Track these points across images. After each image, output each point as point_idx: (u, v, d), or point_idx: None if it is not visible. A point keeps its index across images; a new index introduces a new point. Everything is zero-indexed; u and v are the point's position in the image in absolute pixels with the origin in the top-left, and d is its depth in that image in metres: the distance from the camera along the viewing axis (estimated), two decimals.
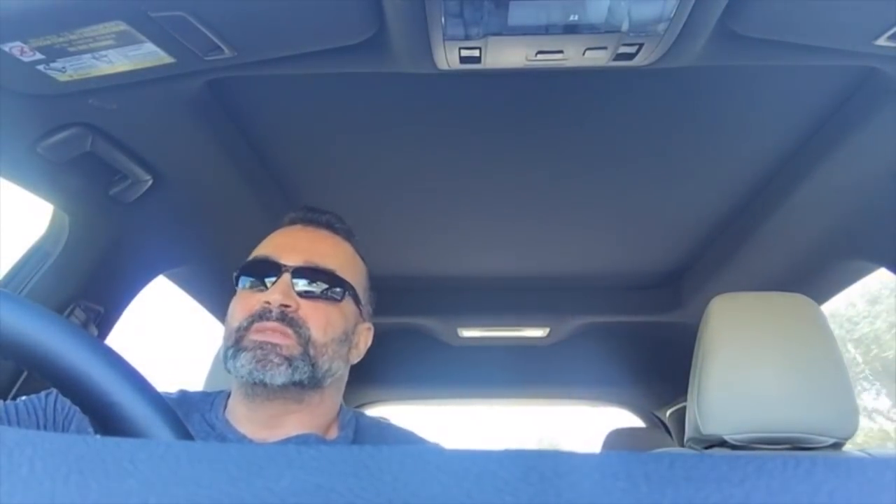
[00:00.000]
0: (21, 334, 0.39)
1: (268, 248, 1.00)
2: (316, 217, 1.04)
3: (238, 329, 0.92)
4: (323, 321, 0.94)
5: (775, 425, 1.18)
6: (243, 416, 0.95)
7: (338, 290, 0.97)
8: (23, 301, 0.40)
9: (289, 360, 0.90)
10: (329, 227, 1.04)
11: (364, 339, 1.04)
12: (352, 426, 1.00)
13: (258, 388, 0.90)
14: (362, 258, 1.07)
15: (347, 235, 1.05)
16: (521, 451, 0.27)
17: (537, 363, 2.46)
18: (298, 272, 0.95)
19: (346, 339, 0.98)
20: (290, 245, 0.98)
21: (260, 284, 0.96)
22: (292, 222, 1.05)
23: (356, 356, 1.03)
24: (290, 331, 0.91)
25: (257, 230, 1.06)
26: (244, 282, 0.98)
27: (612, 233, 1.69)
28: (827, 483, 0.26)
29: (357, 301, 1.01)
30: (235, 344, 0.92)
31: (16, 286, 1.21)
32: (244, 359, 0.90)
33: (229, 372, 0.93)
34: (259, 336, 0.91)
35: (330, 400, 0.99)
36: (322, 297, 0.95)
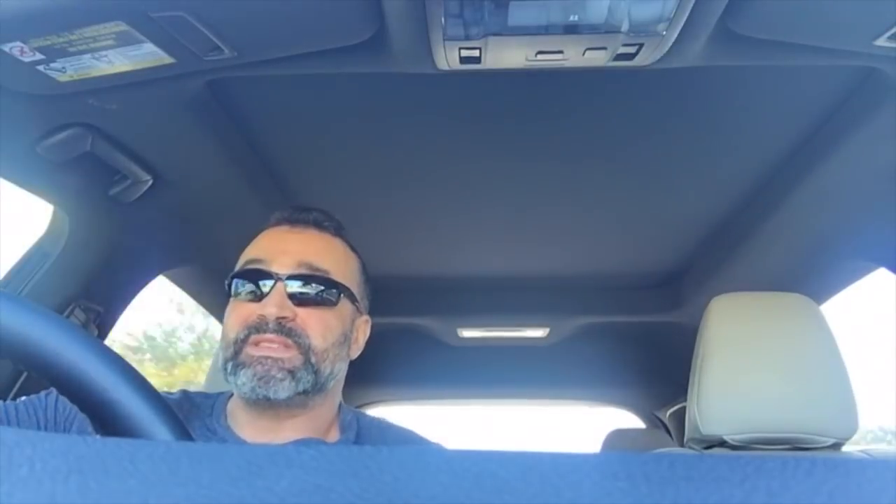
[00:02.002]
0: (20, 334, 0.39)
1: (257, 251, 0.97)
2: (303, 216, 1.01)
3: (235, 342, 0.91)
4: (321, 327, 0.92)
5: (775, 425, 1.18)
6: (246, 423, 0.94)
7: (333, 292, 0.95)
8: (22, 301, 0.40)
9: (291, 373, 0.89)
10: (317, 225, 1.00)
11: (363, 332, 1.03)
12: (353, 428, 0.99)
13: (261, 402, 0.89)
14: (355, 251, 1.04)
15: (337, 231, 1.02)
16: (521, 451, 0.27)
17: (537, 363, 2.46)
18: (291, 279, 0.92)
19: (346, 339, 0.97)
20: (279, 249, 0.96)
21: (253, 292, 0.93)
22: (278, 223, 1.01)
23: (356, 351, 1.01)
24: (290, 341, 0.90)
25: (257, 230, 1.05)
26: (237, 290, 0.95)
27: (612, 233, 1.69)
28: (827, 483, 0.26)
29: (353, 299, 0.99)
30: (234, 357, 0.90)
31: (16, 286, 1.21)
32: (245, 376, 0.88)
33: (230, 385, 0.92)
34: (258, 351, 0.89)
35: (332, 399, 0.99)
36: (317, 301, 0.93)
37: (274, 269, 0.93)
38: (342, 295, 0.96)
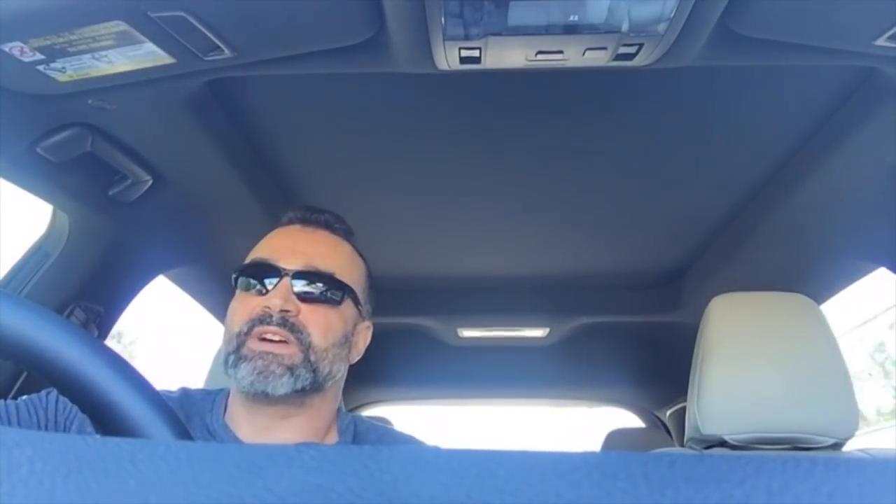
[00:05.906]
0: (20, 334, 0.39)
1: (266, 249, 0.99)
2: (314, 217, 1.03)
3: (238, 335, 0.92)
4: (323, 326, 0.93)
5: (775, 425, 1.18)
6: (243, 420, 0.94)
7: (337, 292, 0.96)
8: (22, 301, 0.40)
9: (291, 370, 0.89)
10: (328, 227, 1.03)
11: (363, 338, 1.04)
12: (350, 431, 1.00)
13: (259, 397, 0.90)
14: (362, 256, 1.06)
15: (346, 235, 1.04)
16: (521, 451, 0.27)
17: (537, 363, 2.46)
18: (298, 276, 0.94)
19: (346, 341, 0.98)
20: (289, 247, 0.97)
21: (259, 287, 0.95)
22: (290, 222, 1.04)
23: (356, 355, 1.02)
24: (291, 336, 0.91)
25: (257, 230, 1.06)
26: (243, 284, 0.97)
27: (611, 232, 1.69)
28: (827, 483, 0.26)
29: (357, 302, 1.00)
30: (236, 351, 0.91)
31: (16, 286, 1.21)
32: (245, 369, 0.89)
33: (230, 379, 0.93)
34: (259, 345, 0.90)
35: (330, 402, 0.99)
36: (322, 300, 0.95)
37: (281, 265, 0.94)
38: (346, 296, 0.97)
